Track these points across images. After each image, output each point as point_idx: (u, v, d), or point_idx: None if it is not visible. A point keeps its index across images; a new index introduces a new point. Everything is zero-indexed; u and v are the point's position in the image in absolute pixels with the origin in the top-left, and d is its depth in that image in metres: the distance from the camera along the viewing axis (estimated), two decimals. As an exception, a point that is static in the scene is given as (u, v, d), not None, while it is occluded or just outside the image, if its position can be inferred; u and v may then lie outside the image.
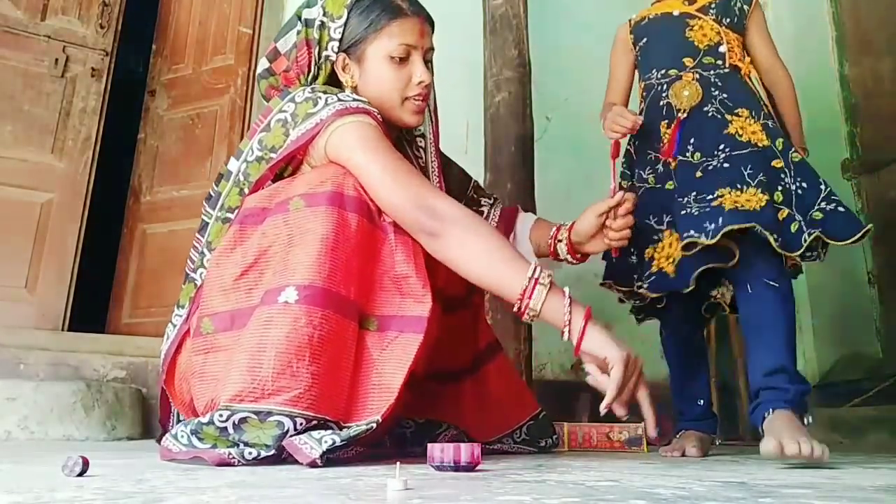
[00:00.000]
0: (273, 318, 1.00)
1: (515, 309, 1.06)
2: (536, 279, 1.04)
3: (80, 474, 0.76)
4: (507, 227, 1.51)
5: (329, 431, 0.96)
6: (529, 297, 1.04)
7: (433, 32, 1.30)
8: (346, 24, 1.24)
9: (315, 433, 0.95)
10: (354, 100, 1.18)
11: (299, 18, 1.27)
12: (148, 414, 2.06)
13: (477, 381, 1.38)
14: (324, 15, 1.25)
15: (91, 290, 2.94)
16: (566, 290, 1.06)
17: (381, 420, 0.99)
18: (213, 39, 3.06)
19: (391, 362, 1.04)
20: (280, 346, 0.98)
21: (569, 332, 1.03)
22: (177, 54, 3.12)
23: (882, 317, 2.84)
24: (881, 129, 2.96)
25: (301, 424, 0.96)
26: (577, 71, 3.01)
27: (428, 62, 1.28)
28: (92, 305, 2.93)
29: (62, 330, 2.52)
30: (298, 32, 1.27)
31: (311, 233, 1.04)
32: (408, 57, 1.24)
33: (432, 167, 1.38)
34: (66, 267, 2.60)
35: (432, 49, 1.29)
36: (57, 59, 2.72)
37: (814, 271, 2.80)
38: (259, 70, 1.32)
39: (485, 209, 1.53)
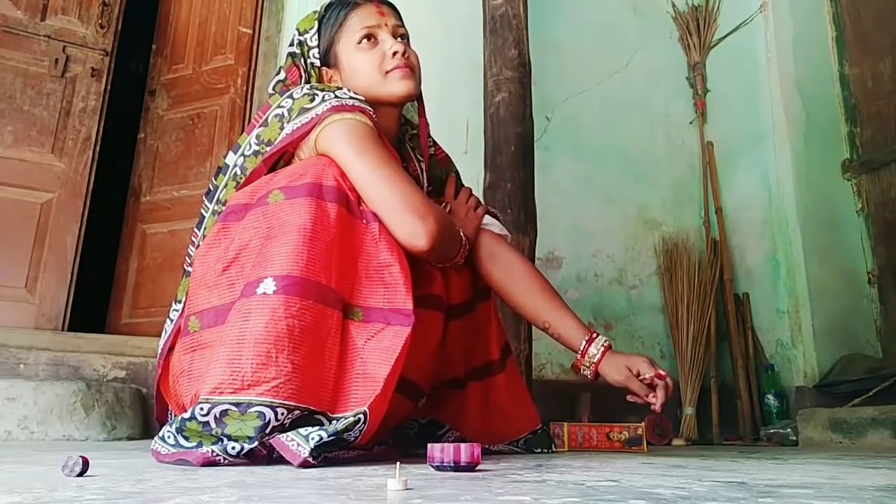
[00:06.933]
0: (252, 309, 0.99)
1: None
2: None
3: (80, 474, 0.76)
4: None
5: (316, 428, 0.94)
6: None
7: (397, 14, 1.35)
8: (318, 32, 1.33)
9: (302, 430, 0.93)
10: (351, 97, 1.20)
11: (289, 55, 1.37)
12: (148, 414, 2.05)
13: (484, 390, 1.37)
14: (300, 35, 1.35)
15: (91, 290, 2.94)
16: None
17: (367, 411, 0.96)
18: (213, 39, 3.06)
19: (377, 352, 1.02)
20: (259, 337, 0.96)
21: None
22: (177, 54, 3.12)
23: (882, 317, 2.84)
24: (881, 129, 2.96)
25: (283, 414, 0.94)
26: (577, 71, 3.02)
27: (400, 38, 1.32)
28: (92, 305, 2.93)
29: (62, 330, 2.52)
30: (287, 57, 1.37)
31: (289, 224, 1.04)
32: (375, 39, 1.29)
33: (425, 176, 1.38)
34: (66, 267, 2.60)
35: (401, 26, 1.34)
36: (57, 59, 2.71)
37: (814, 271, 2.81)
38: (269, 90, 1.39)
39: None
